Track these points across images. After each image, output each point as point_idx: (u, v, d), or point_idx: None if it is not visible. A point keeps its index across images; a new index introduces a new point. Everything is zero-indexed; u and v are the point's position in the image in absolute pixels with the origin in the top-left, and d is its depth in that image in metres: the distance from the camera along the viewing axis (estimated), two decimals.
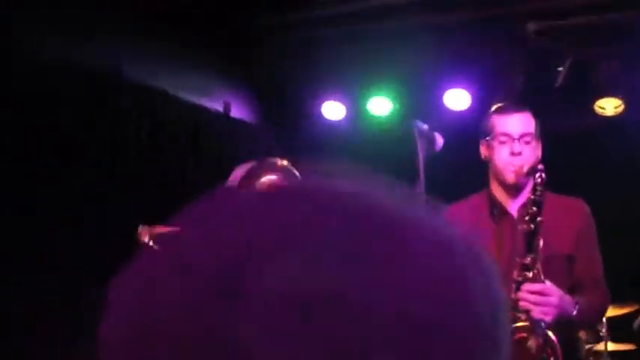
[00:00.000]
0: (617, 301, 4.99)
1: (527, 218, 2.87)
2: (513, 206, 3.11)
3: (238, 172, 3.18)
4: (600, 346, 5.42)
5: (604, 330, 5.26)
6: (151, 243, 2.77)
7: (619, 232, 5.92)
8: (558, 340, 2.72)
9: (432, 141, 2.76)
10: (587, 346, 5.39)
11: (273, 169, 2.98)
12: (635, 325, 5.48)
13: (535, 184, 2.90)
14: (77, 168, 4.85)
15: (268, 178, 2.98)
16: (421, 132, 2.70)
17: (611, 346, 5.47)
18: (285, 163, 2.99)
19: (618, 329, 5.52)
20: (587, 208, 3.18)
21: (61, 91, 4.77)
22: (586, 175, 6.29)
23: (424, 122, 6.41)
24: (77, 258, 4.77)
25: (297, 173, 2.96)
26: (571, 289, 3.02)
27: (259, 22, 6.08)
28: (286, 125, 7.09)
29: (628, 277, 5.49)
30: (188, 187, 5.84)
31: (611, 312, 5.06)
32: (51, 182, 4.66)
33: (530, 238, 2.85)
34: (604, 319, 5.00)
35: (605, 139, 6.34)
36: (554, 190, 3.09)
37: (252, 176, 2.97)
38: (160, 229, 2.83)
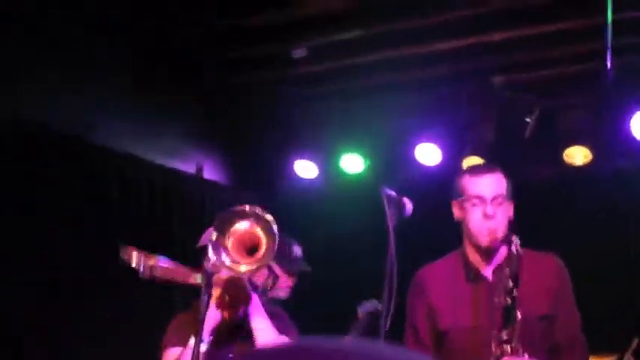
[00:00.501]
0: (594, 351, 4.98)
1: (503, 291, 2.85)
2: (488, 270, 3.09)
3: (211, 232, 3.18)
4: None
5: None
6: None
7: (591, 280, 5.93)
8: None
9: (401, 207, 2.76)
10: None
11: (244, 215, 2.97)
12: None
13: (511, 256, 2.88)
14: (47, 226, 4.82)
15: (240, 226, 2.97)
16: (389, 199, 2.70)
17: None
18: (255, 209, 2.98)
19: None
20: (561, 264, 3.16)
21: (33, 151, 4.76)
22: (557, 224, 6.33)
23: (396, 178, 6.50)
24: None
25: (268, 218, 2.95)
26: (550, 351, 3.00)
27: (231, 82, 6.11)
28: (259, 185, 7.08)
29: (603, 326, 5.49)
30: (161, 248, 5.79)
31: None
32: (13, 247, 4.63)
33: (508, 312, 2.82)
34: None
35: (575, 189, 6.39)
36: (526, 241, 3.08)
37: (223, 223, 2.96)
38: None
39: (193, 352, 2.64)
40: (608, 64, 5.16)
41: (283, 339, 3.18)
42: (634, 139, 5.92)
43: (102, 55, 5.20)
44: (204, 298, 2.75)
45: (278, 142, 6.91)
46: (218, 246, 2.86)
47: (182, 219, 6.07)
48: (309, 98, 6.34)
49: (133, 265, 2.83)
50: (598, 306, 5.74)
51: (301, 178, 6.86)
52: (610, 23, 4.65)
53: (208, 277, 2.81)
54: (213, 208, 6.51)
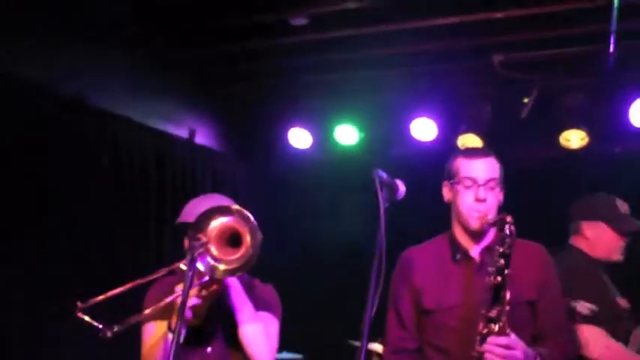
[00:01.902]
0: None
1: (494, 270, 2.83)
2: (476, 250, 3.08)
3: (193, 207, 3.15)
4: None
5: None
6: (88, 319, 2.71)
7: None
8: None
9: (393, 189, 2.71)
10: None
11: (227, 212, 2.95)
12: None
13: (503, 237, 2.86)
14: (38, 191, 4.78)
15: (221, 221, 2.95)
16: (381, 181, 2.65)
17: None
18: (238, 207, 2.97)
19: None
20: (546, 255, 3.15)
21: (24, 113, 4.70)
22: (550, 206, 6.30)
23: (390, 151, 6.46)
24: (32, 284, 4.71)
25: (250, 218, 2.93)
26: (534, 338, 2.99)
27: (225, 50, 6.04)
28: (252, 153, 7.05)
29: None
30: (151, 212, 5.78)
31: None
32: (12, 204, 4.60)
33: (497, 290, 2.80)
34: None
35: (570, 172, 6.36)
36: (517, 223, 3.06)
37: (206, 217, 2.94)
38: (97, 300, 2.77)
39: (174, 336, 2.60)
40: (611, 48, 5.10)
41: (263, 319, 3.16)
42: (631, 125, 5.88)
43: (99, 18, 5.13)
44: (188, 279, 2.70)
45: (272, 111, 6.86)
46: (198, 249, 2.83)
47: (174, 183, 6.04)
48: (306, 68, 6.27)
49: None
50: None
51: (295, 148, 6.82)
52: (617, 6, 4.58)
53: (192, 257, 2.76)
54: (205, 174, 6.49)
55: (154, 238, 5.74)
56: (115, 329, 2.67)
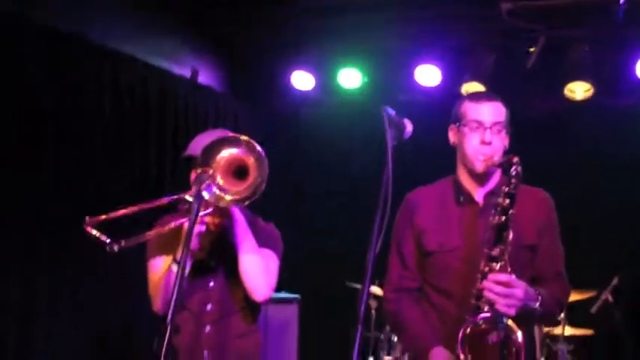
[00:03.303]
0: (576, 286, 5.03)
1: (498, 209, 2.84)
2: (480, 194, 3.09)
3: (200, 141, 3.14)
4: (557, 330, 5.47)
5: (562, 314, 5.29)
6: (96, 233, 2.73)
7: (583, 218, 5.97)
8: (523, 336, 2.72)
9: (400, 128, 2.69)
10: (545, 330, 5.45)
11: (235, 143, 2.95)
12: (593, 310, 5.53)
13: (510, 177, 2.88)
14: (40, 128, 4.76)
15: (229, 152, 2.95)
16: (390, 119, 2.64)
17: (569, 331, 5.52)
18: (245, 138, 2.96)
19: (576, 314, 5.56)
20: (551, 201, 3.16)
21: (24, 48, 4.66)
22: (553, 157, 6.32)
23: (394, 96, 6.43)
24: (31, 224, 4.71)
25: (258, 148, 2.93)
26: (532, 280, 3.01)
27: None
28: (255, 94, 7.01)
29: (588, 263, 5.54)
30: (152, 153, 5.78)
31: (571, 297, 5.09)
32: (10, 144, 4.57)
33: (500, 230, 2.81)
34: None
35: (573, 123, 6.35)
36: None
37: (213, 148, 2.94)
38: (104, 217, 2.79)
39: (179, 267, 2.61)
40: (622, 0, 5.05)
41: (265, 254, 3.18)
42: (637, 78, 5.86)
43: None
44: (195, 208, 2.71)
45: (276, 53, 6.80)
46: (205, 179, 2.82)
47: (176, 122, 6.02)
48: (310, 10, 6.20)
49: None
50: (584, 242, 5.80)
51: (297, 90, 6.78)
52: None
53: (199, 188, 2.77)
54: (208, 113, 6.46)
55: (153, 176, 5.74)
56: (123, 244, 2.69)
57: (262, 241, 3.20)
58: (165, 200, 2.92)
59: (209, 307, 3.17)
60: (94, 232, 2.70)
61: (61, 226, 4.64)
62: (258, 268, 3.11)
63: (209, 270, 3.19)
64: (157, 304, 3.09)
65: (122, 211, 2.81)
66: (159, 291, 3.06)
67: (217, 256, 3.20)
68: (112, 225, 2.79)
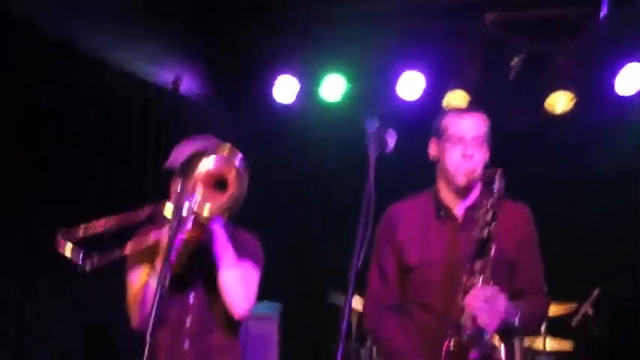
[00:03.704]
0: (557, 299, 5.04)
1: (480, 223, 2.84)
2: (460, 208, 3.08)
3: (181, 152, 3.12)
4: (539, 344, 5.46)
5: (542, 327, 5.29)
6: (68, 251, 2.69)
7: (564, 231, 5.98)
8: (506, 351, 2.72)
9: (383, 141, 2.69)
10: (526, 344, 5.44)
11: (216, 153, 2.94)
12: (574, 323, 5.52)
13: (493, 191, 2.87)
14: (40, 128, 4.75)
15: (209, 163, 2.93)
16: (372, 131, 2.63)
17: (550, 344, 5.51)
18: (226, 149, 2.94)
19: (557, 327, 5.56)
20: (530, 215, 3.16)
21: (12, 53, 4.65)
22: (535, 171, 6.33)
23: (376, 108, 6.42)
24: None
25: (239, 159, 2.91)
26: (511, 295, 3.01)
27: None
28: (237, 103, 6.98)
29: (568, 276, 5.54)
30: (135, 161, 5.75)
31: (551, 310, 5.09)
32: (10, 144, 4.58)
33: (483, 244, 2.81)
34: None
35: (556, 135, 6.37)
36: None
37: (193, 159, 2.93)
38: (79, 231, 2.75)
39: (159, 280, 2.57)
40: (603, 11, 5.07)
41: (244, 267, 3.15)
42: (617, 93, 5.89)
43: None
44: (175, 220, 2.68)
45: (259, 61, 6.77)
46: (184, 191, 2.79)
47: (157, 131, 5.99)
48: (294, 20, 6.19)
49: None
50: (565, 255, 5.81)
51: (280, 100, 6.75)
52: None
53: (178, 203, 2.73)
54: (188, 122, 6.43)
55: (135, 190, 5.71)
56: (95, 261, 2.65)
57: (243, 253, 3.16)
58: (145, 211, 2.88)
59: (188, 322, 3.12)
60: (67, 249, 2.66)
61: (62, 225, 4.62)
62: (237, 283, 3.08)
63: (188, 284, 3.15)
64: (135, 320, 3.05)
65: (101, 223, 2.78)
66: (136, 306, 3.02)
67: (197, 270, 3.16)
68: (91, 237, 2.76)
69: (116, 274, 4.87)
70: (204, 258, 3.10)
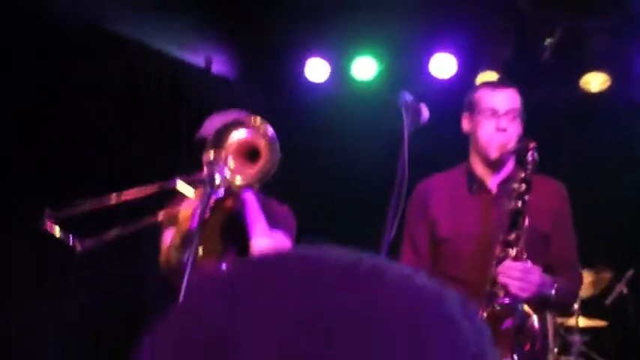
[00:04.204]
0: (590, 265, 5.01)
1: (514, 195, 2.83)
2: (493, 182, 3.07)
3: (213, 123, 3.14)
4: (572, 321, 5.43)
5: (576, 305, 5.26)
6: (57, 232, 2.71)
7: (599, 209, 5.93)
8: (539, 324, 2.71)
9: (417, 113, 2.69)
10: (559, 321, 5.41)
11: (246, 125, 2.96)
12: (608, 301, 5.50)
13: (526, 162, 2.86)
14: (53, 117, 4.78)
15: (241, 134, 2.94)
16: (407, 104, 2.63)
17: (583, 322, 5.48)
18: (257, 120, 2.96)
19: (591, 305, 5.53)
20: (564, 190, 3.15)
21: (39, 40, 4.68)
22: (567, 149, 6.27)
23: (409, 86, 6.40)
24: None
25: (270, 131, 2.92)
26: (545, 269, 3.00)
27: None
28: (269, 83, 6.99)
29: (603, 254, 5.50)
30: (168, 140, 5.79)
31: (585, 288, 5.06)
32: (32, 129, 4.61)
33: (516, 215, 2.81)
34: None
35: (590, 116, 6.31)
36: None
37: (225, 130, 2.94)
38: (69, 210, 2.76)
39: (191, 250, 2.60)
40: None
41: (276, 236, 3.16)
42: None
43: None
44: (207, 190, 2.70)
45: (290, 42, 6.77)
46: (216, 161, 2.81)
47: (189, 111, 6.02)
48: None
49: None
50: (600, 235, 5.76)
51: (311, 80, 6.76)
52: None
53: (211, 173, 2.75)
54: (219, 103, 6.45)
55: (168, 167, 5.73)
56: (88, 244, 2.69)
57: (275, 223, 3.18)
58: (177, 181, 2.91)
59: None
60: (56, 230, 2.69)
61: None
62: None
63: (222, 253, 3.18)
64: (168, 280, 3.11)
65: (133, 191, 2.81)
66: (167, 270, 3.08)
67: (230, 239, 3.19)
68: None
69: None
70: (236, 227, 3.12)
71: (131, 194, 2.89)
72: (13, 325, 4.53)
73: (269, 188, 3.19)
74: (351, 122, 6.78)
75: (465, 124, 3.16)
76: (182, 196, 3.10)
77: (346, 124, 6.85)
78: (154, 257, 3.18)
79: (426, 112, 2.73)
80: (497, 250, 2.80)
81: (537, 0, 5.60)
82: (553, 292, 2.85)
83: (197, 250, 2.62)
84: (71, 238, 2.71)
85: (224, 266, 3.02)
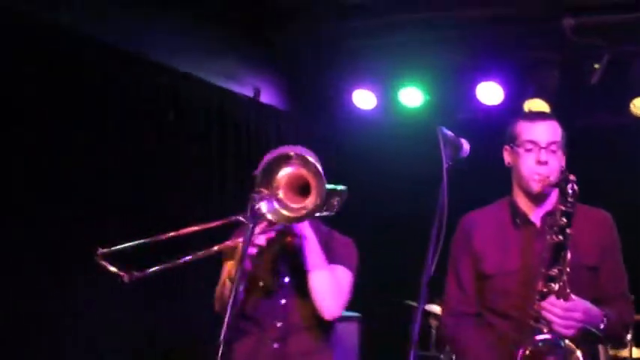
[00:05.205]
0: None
1: (555, 229, 2.80)
2: (537, 215, 3.05)
3: (266, 159, 3.17)
4: (624, 353, 5.35)
5: (629, 336, 5.18)
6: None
7: None
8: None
9: (457, 148, 2.70)
10: (611, 353, 5.34)
11: (288, 160, 2.97)
12: None
13: (566, 195, 2.84)
14: (101, 147, 4.88)
15: (289, 169, 2.97)
16: (445, 138, 2.64)
17: (636, 353, 5.40)
18: (297, 152, 2.99)
19: None
20: (612, 221, 3.10)
21: (85, 66, 4.78)
22: (617, 175, 6.20)
23: (455, 115, 6.40)
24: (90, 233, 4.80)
25: (311, 159, 2.95)
26: (595, 301, 2.96)
27: (291, 8, 6.04)
28: (317, 113, 7.05)
29: None
30: (215, 170, 5.86)
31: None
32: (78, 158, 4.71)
33: (558, 249, 2.76)
34: None
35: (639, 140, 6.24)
36: (582, 190, 3.02)
37: (272, 166, 2.96)
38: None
39: (233, 286, 2.64)
40: None
41: (336, 269, 3.17)
42: None
43: None
44: (249, 228, 2.74)
45: (337, 72, 6.84)
46: (264, 195, 2.86)
47: (238, 142, 6.09)
48: (371, 29, 6.23)
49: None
50: None
51: (359, 109, 6.81)
52: None
53: (251, 207, 2.79)
54: (269, 132, 6.52)
55: (216, 194, 5.81)
56: (135, 275, 2.79)
57: (336, 257, 3.20)
58: (216, 223, 2.96)
59: (279, 324, 3.17)
60: (108, 267, 2.80)
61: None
62: (327, 286, 3.10)
63: (280, 286, 3.20)
64: (216, 307, 3.21)
65: (184, 230, 2.88)
66: (218, 299, 3.18)
67: (288, 273, 3.21)
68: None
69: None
70: (295, 261, 3.15)
71: (193, 230, 2.96)
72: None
73: (332, 221, 3.22)
74: (399, 148, 6.80)
75: (507, 157, 3.14)
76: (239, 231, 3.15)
77: (393, 151, 6.87)
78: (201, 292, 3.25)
79: (466, 146, 2.74)
80: (540, 285, 2.78)
81: (583, 27, 5.57)
82: (602, 325, 2.81)
83: (239, 283, 2.65)
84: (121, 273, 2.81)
85: None
